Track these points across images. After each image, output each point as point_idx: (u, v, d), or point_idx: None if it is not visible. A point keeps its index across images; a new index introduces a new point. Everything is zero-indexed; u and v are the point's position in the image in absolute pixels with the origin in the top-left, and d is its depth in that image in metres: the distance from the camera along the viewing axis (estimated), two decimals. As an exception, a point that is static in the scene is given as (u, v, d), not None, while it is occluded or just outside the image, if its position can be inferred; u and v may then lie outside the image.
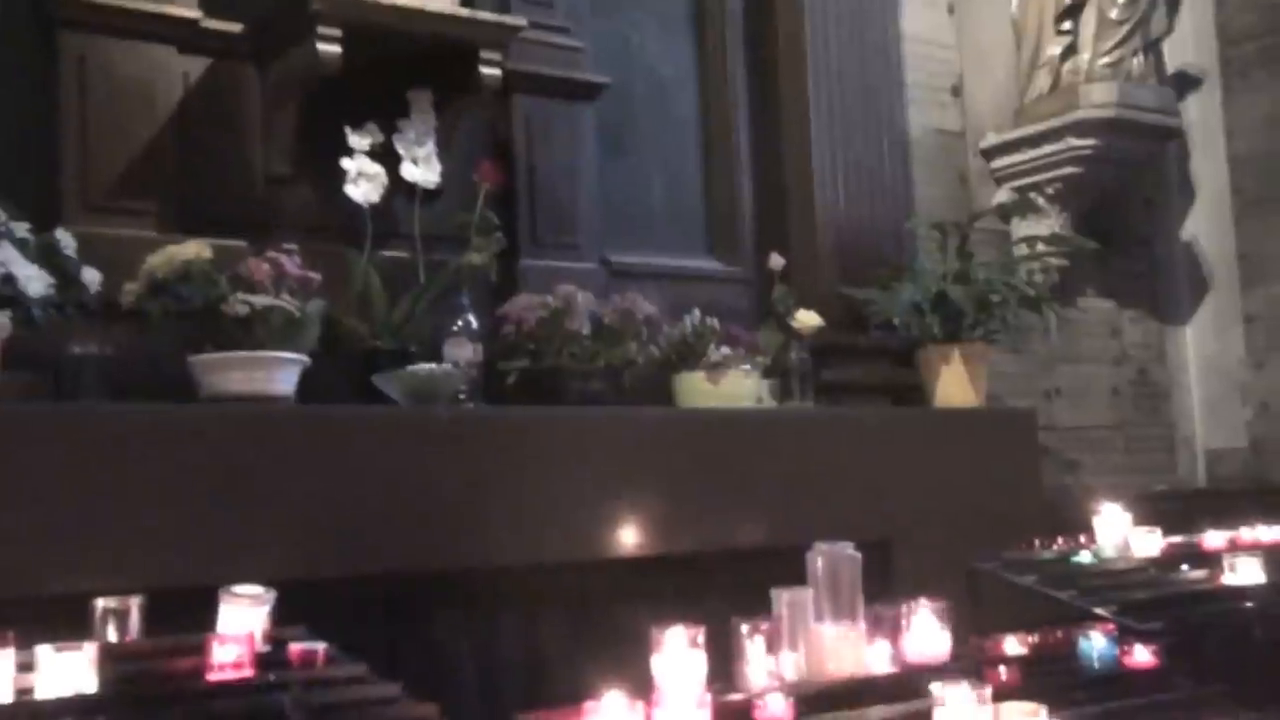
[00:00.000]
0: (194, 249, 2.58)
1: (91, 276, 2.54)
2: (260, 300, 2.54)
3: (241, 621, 1.83)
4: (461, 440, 2.68)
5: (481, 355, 3.00)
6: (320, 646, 1.83)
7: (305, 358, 2.63)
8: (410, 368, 2.80)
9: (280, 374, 2.55)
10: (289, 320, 2.57)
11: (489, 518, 2.67)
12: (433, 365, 2.83)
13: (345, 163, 2.99)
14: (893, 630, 2.30)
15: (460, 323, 3.00)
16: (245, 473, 2.40)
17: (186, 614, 1.91)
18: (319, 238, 2.98)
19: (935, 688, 2.01)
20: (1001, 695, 2.07)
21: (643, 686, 1.99)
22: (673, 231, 3.81)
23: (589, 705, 1.90)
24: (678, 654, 2.01)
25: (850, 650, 2.20)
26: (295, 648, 1.82)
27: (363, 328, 2.95)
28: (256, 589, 1.88)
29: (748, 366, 3.25)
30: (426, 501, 2.59)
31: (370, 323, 2.96)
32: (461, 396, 2.89)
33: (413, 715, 1.73)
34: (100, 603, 1.90)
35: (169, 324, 2.56)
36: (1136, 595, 2.71)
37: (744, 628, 2.15)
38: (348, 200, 3.00)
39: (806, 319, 3.50)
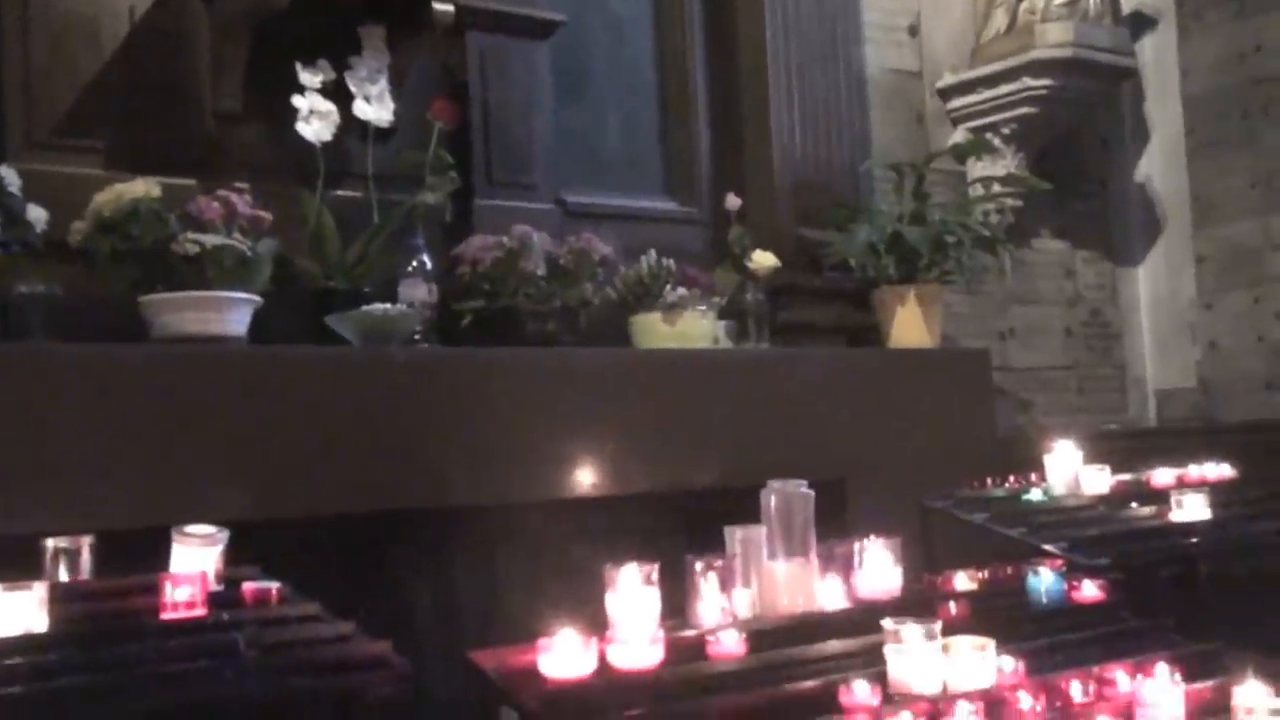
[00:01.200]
0: (142, 187, 2.54)
1: (37, 215, 2.51)
2: (211, 239, 2.50)
3: (194, 561, 1.83)
4: (417, 381, 2.68)
5: (436, 296, 2.98)
6: (274, 585, 1.83)
7: (257, 298, 2.60)
8: (364, 308, 2.78)
9: (232, 314, 2.53)
10: (240, 260, 2.54)
11: (445, 459, 2.67)
12: (387, 305, 2.81)
13: (296, 100, 2.95)
14: (845, 567, 2.32)
15: (415, 263, 2.98)
16: (197, 413, 2.39)
17: (138, 555, 1.90)
18: (270, 177, 2.94)
19: (886, 623, 2.04)
20: (951, 629, 2.11)
21: (599, 624, 2.01)
22: (629, 171, 3.79)
23: (543, 642, 1.91)
24: (632, 591, 2.02)
25: (803, 587, 2.23)
26: (249, 586, 1.82)
27: (316, 268, 2.92)
28: (209, 528, 1.87)
29: (704, 307, 3.25)
30: (381, 442, 2.59)
31: (323, 263, 2.94)
32: (416, 337, 2.88)
33: (367, 652, 1.73)
34: (50, 542, 1.88)
35: (118, 263, 2.53)
36: (1085, 532, 2.75)
37: (698, 565, 2.16)
38: (299, 139, 2.96)
39: (763, 260, 3.50)
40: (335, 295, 2.88)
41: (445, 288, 3.02)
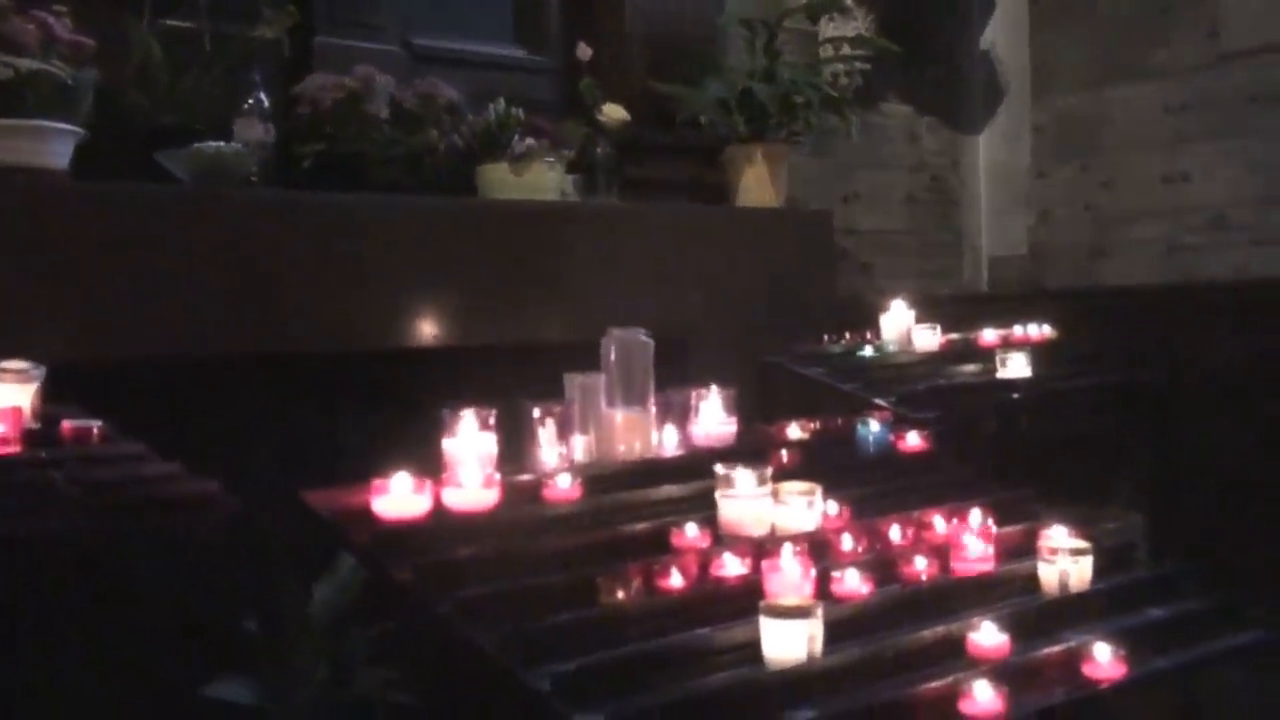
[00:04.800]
0: (-54, 3, 2.36)
1: None
2: (26, 64, 2.34)
3: (7, 397, 1.75)
4: (252, 224, 2.59)
5: (274, 136, 2.87)
6: (95, 424, 1.78)
7: (79, 129, 2.46)
8: (196, 145, 2.66)
9: (51, 145, 2.38)
10: (59, 88, 2.39)
11: (281, 304, 2.61)
12: (221, 144, 2.70)
13: (120, -84, 2.76)
14: (682, 416, 2.37)
15: (251, 101, 2.86)
16: (13, 248, 2.27)
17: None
18: (92, 1, 2.76)
19: (718, 468, 2.09)
20: (782, 476, 2.18)
21: (437, 469, 2.02)
22: (478, 16, 3.66)
23: (377, 484, 1.91)
24: (468, 435, 2.03)
25: (640, 434, 2.27)
26: (68, 424, 1.76)
27: (144, 101, 2.78)
28: (23, 364, 1.79)
29: (552, 159, 3.20)
30: (214, 286, 2.51)
31: (152, 97, 2.79)
32: (252, 179, 2.78)
33: (192, 491, 1.70)
34: None
35: (-79, 87, 2.36)
36: (914, 387, 2.86)
37: (536, 411, 2.18)
38: (123, -40, 2.78)
39: (613, 113, 3.46)
40: (165, 131, 2.74)
41: (284, 129, 2.91)
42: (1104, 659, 1.90)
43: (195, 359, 2.51)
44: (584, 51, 3.49)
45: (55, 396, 1.89)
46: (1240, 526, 3.28)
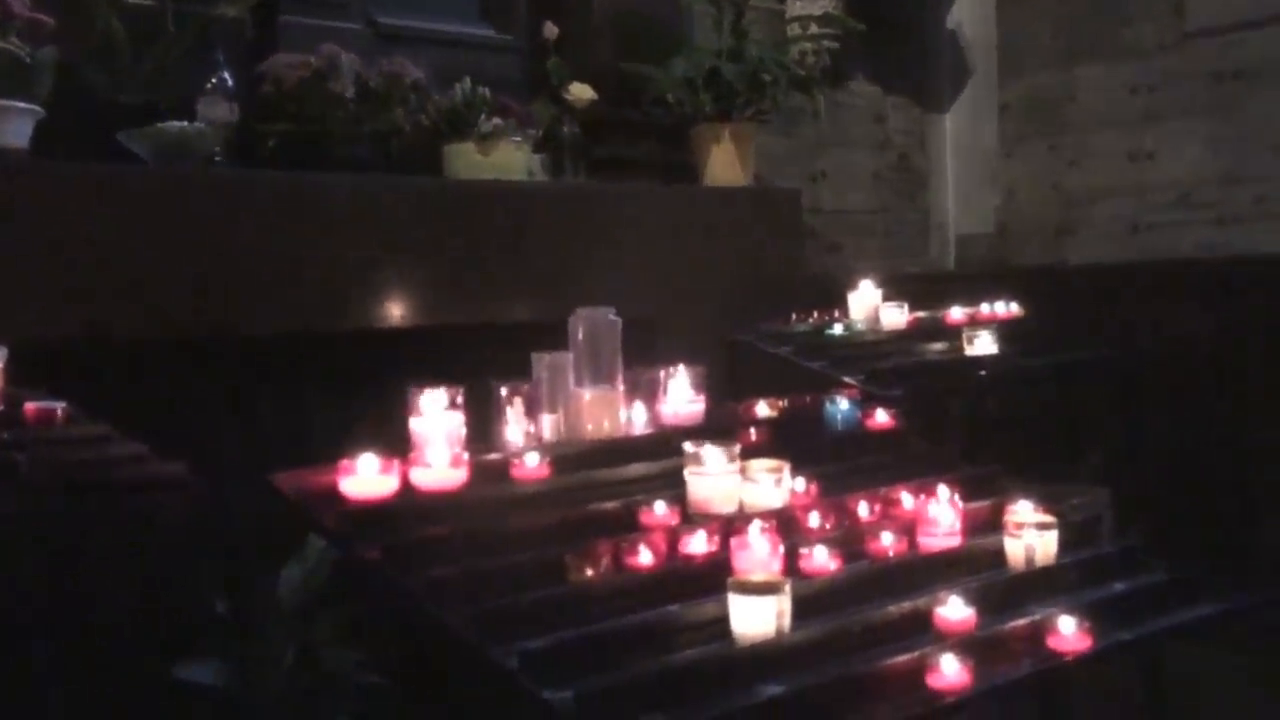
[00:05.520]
0: (-100, -20, 2.33)
1: None
2: (-17, 42, 2.32)
3: (-32, 379, 1.74)
4: (216, 203, 2.58)
5: (238, 115, 2.85)
6: (59, 405, 1.76)
7: (38, 108, 2.44)
8: (159, 125, 2.64)
9: (11, 124, 2.36)
10: (18, 66, 2.36)
11: (247, 285, 2.59)
12: (184, 123, 2.68)
13: (79, -106, 2.72)
14: (651, 394, 2.37)
15: (214, 80, 2.83)
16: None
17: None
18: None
19: (687, 446, 2.10)
20: (751, 454, 2.18)
21: (405, 449, 2.01)
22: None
23: (344, 464, 1.90)
24: (435, 414, 2.03)
25: (608, 412, 2.27)
26: (31, 406, 1.74)
27: (105, 80, 2.75)
28: (-17, 344, 1.78)
29: (519, 139, 3.19)
30: (177, 267, 2.49)
31: (114, 75, 2.76)
32: (216, 158, 2.75)
33: (159, 473, 1.69)
34: None
35: (-122, 65, 2.33)
36: (882, 364, 2.88)
37: (503, 390, 2.18)
38: (85, -62, 2.74)
39: (580, 92, 3.45)
40: (128, 111, 2.71)
41: (248, 108, 2.89)
42: (1069, 632, 1.92)
43: (160, 340, 2.49)
44: (551, 30, 3.47)
45: (18, 378, 1.87)
46: (1204, 501, 3.32)
